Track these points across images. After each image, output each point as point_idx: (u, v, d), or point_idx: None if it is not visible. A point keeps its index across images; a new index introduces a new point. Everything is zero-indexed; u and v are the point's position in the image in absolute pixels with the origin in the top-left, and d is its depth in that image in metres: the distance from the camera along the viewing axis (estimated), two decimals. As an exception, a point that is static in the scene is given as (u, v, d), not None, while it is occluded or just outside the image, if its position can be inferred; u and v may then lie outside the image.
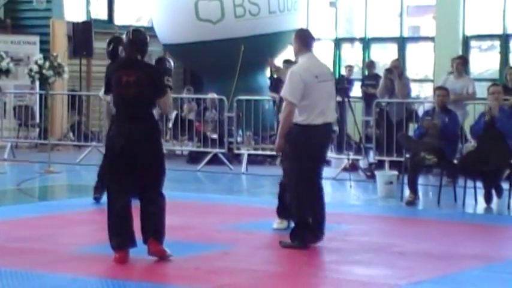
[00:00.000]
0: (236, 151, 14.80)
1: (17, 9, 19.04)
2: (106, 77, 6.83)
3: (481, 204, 10.29)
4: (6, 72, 15.12)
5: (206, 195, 11.33)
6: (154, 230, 6.69)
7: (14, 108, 17.51)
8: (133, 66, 6.69)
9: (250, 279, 6.34)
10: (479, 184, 10.43)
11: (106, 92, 6.92)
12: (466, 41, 19.41)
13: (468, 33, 19.45)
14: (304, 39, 7.49)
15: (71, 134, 17.37)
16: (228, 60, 16.98)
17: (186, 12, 17.67)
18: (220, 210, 9.89)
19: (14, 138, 17.06)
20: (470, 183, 10.41)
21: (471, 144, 11.64)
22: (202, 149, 14.90)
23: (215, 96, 15.73)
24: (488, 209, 10.18)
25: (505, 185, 10.29)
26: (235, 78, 16.77)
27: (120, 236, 6.60)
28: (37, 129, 17.49)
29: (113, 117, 6.85)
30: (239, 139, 15.67)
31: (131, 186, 6.73)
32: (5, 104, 17.09)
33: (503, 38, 19.23)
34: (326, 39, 21.32)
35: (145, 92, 6.59)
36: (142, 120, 6.63)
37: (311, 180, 7.39)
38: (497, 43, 19.59)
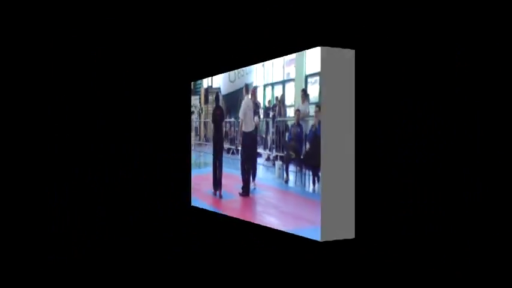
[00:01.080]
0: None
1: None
2: (214, 113, 9.84)
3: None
4: (192, 113, 18.65)
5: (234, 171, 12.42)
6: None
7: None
8: (219, 107, 10.88)
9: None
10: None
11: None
12: (305, 79, 22.38)
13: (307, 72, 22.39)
14: (246, 90, 10.78)
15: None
16: (236, 100, 21.80)
17: (226, 79, 22.78)
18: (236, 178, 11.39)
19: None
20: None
21: (308, 146, 11.70)
22: (228, 146, 16.29)
23: (233, 119, 19.32)
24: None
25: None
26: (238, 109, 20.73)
27: (216, 184, 9.44)
28: (198, 136, 20.24)
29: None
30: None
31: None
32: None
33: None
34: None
35: (222, 118, 10.31)
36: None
37: (249, 158, 10.08)
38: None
